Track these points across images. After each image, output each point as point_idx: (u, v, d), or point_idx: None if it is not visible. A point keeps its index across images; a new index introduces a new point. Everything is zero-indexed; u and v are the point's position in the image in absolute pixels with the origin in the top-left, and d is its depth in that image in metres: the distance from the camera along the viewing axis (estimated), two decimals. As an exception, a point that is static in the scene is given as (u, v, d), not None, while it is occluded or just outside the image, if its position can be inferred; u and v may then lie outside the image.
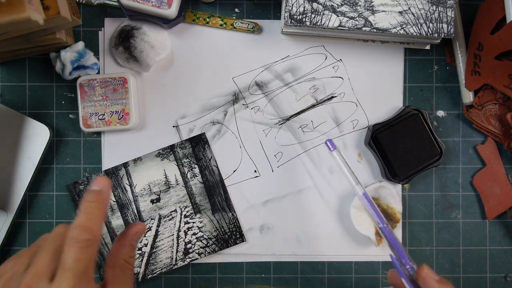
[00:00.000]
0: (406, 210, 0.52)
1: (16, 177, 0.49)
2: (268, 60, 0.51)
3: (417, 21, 0.46)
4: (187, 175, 0.50)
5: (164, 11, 0.46)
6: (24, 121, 0.49)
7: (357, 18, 0.45)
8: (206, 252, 0.50)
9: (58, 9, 0.40)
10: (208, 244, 0.50)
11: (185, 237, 0.50)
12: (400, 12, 0.45)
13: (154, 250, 0.50)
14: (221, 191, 0.51)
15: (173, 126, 0.51)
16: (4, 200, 0.49)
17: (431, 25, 0.46)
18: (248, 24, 0.50)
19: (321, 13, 0.45)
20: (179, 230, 0.50)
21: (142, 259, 0.50)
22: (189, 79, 0.51)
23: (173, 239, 0.50)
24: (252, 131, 0.51)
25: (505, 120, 0.49)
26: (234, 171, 0.51)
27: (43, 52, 0.49)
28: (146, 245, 0.50)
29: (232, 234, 0.50)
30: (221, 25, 0.50)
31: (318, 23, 0.45)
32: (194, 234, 0.50)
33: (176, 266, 0.50)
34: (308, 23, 0.45)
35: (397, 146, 0.49)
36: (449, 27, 0.46)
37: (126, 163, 0.50)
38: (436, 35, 0.46)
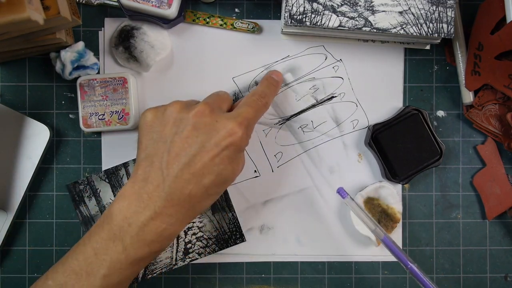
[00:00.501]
0: (406, 210, 0.52)
1: (16, 177, 0.49)
2: (268, 60, 0.51)
3: (417, 21, 0.46)
4: (187, 175, 0.50)
5: (164, 11, 0.46)
6: (24, 121, 0.49)
7: (357, 18, 0.45)
8: (206, 252, 0.50)
9: (58, 9, 0.40)
10: (208, 244, 0.50)
11: (185, 237, 0.50)
12: (400, 12, 0.45)
13: (154, 250, 0.50)
14: (221, 191, 0.51)
15: (173, 126, 0.51)
16: (4, 200, 0.49)
17: (431, 25, 0.46)
18: (248, 24, 0.50)
19: (321, 13, 0.45)
20: (179, 230, 0.50)
21: (142, 259, 0.50)
22: (189, 79, 0.51)
23: (173, 239, 0.50)
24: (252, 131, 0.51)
25: (505, 120, 0.49)
26: (234, 171, 0.51)
27: (43, 52, 0.49)
28: (146, 245, 0.50)
29: (232, 234, 0.50)
30: (221, 25, 0.50)
31: (318, 23, 0.45)
32: (194, 234, 0.50)
33: (176, 266, 0.50)
34: (308, 23, 0.45)
35: (397, 146, 0.49)
36: (449, 27, 0.46)
37: (126, 163, 0.50)
38: (436, 35, 0.46)
